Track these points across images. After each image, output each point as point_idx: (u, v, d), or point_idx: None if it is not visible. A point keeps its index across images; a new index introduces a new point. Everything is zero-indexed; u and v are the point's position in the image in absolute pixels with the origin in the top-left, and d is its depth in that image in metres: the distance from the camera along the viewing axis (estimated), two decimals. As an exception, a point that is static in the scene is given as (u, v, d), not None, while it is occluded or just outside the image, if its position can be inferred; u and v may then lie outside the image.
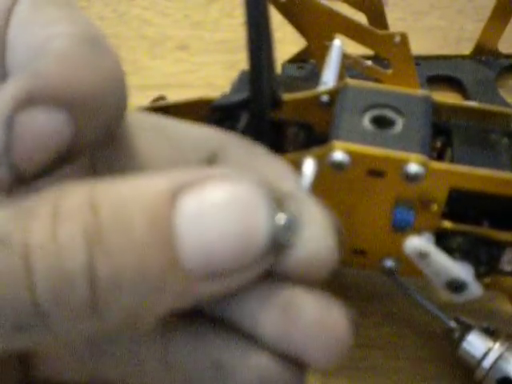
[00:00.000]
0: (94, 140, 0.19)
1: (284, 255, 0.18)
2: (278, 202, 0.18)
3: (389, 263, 0.38)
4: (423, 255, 0.34)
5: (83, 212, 0.16)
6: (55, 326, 0.16)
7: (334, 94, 0.38)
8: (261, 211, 0.17)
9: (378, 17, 0.55)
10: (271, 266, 0.18)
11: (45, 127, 0.18)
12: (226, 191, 0.17)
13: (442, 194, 0.34)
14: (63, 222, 0.16)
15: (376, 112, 0.35)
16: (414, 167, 0.33)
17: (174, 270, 0.17)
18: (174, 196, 0.17)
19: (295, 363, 0.19)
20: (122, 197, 0.17)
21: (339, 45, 0.43)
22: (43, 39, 0.19)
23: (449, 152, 0.37)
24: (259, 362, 0.19)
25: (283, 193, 0.19)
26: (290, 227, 0.18)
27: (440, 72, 0.60)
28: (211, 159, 0.23)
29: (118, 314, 0.17)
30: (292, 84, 0.47)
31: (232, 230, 0.17)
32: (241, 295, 0.19)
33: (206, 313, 0.20)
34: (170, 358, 0.20)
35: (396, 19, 0.61)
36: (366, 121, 0.35)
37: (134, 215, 0.16)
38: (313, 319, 0.19)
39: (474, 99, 0.56)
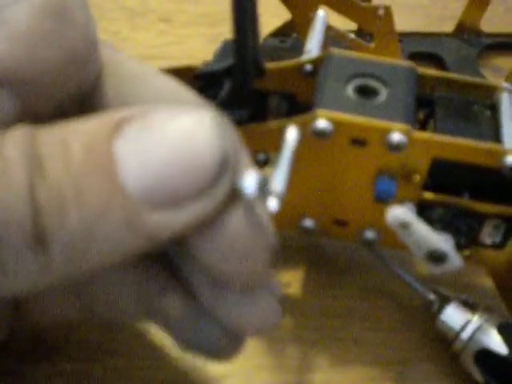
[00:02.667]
0: (53, 108, 0.19)
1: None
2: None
3: (369, 234, 0.38)
4: (405, 225, 0.34)
5: (24, 141, 0.16)
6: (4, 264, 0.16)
7: (317, 63, 0.37)
8: (207, 130, 0.17)
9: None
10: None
11: None
12: (167, 117, 0.17)
13: (424, 165, 0.34)
14: (6, 145, 0.16)
15: (360, 81, 0.35)
16: (396, 136, 0.33)
17: (116, 196, 0.16)
18: (115, 126, 0.16)
19: None
20: (63, 128, 0.16)
21: (323, 15, 0.43)
22: None
23: (431, 123, 0.37)
24: None
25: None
26: (251, 177, 0.18)
27: (422, 49, 0.60)
28: None
29: (65, 249, 0.16)
30: (275, 54, 0.47)
31: (176, 152, 0.16)
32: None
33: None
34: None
35: (378, -4, 0.61)
36: (350, 90, 0.35)
37: (72, 144, 0.16)
38: None
39: (456, 76, 0.56)
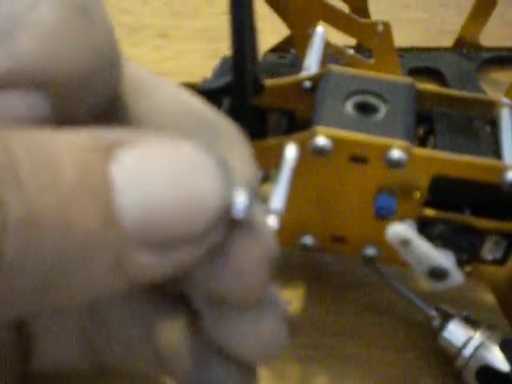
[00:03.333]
0: (82, 113, 0.17)
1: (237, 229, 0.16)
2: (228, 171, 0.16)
3: (370, 251, 0.37)
4: (405, 242, 0.34)
5: None
6: None
7: (316, 79, 0.37)
8: (212, 172, 0.15)
9: (360, 8, 0.55)
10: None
11: (19, 110, 0.16)
12: (168, 149, 0.15)
13: (424, 181, 0.34)
14: None
15: (359, 98, 0.35)
16: (396, 153, 0.33)
17: (109, 228, 0.14)
18: (109, 148, 0.15)
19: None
20: (42, 140, 0.14)
21: (322, 31, 0.43)
22: (25, 7, 0.16)
23: (431, 140, 0.37)
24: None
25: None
26: (244, 198, 0.16)
27: (421, 64, 0.60)
28: None
29: (36, 273, 0.14)
30: (274, 71, 0.47)
31: (177, 191, 0.15)
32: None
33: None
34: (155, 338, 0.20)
35: (377, 11, 0.60)
36: (349, 107, 0.35)
37: (62, 156, 0.14)
38: None
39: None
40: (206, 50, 0.61)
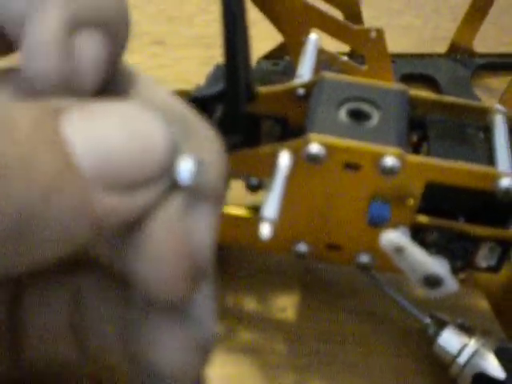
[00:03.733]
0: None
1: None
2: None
3: (364, 258, 0.37)
4: (399, 250, 0.34)
5: None
6: None
7: (309, 87, 0.37)
8: (160, 123, 0.16)
9: (353, 14, 0.55)
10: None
11: (93, 50, 0.17)
12: (115, 108, 0.16)
13: (418, 188, 0.34)
14: None
15: (352, 105, 0.35)
16: (390, 160, 0.32)
17: (68, 173, 0.15)
18: (58, 110, 0.15)
19: None
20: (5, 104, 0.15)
21: (315, 39, 0.43)
22: None
23: (425, 146, 0.37)
24: None
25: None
26: (190, 165, 0.17)
27: (415, 70, 0.60)
28: None
29: (6, 224, 0.14)
30: (268, 78, 0.47)
31: (128, 135, 0.16)
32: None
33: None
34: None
35: (371, 17, 0.61)
36: (343, 114, 0.35)
37: (18, 116, 0.15)
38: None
39: (449, 97, 0.56)
40: (202, 57, 0.61)
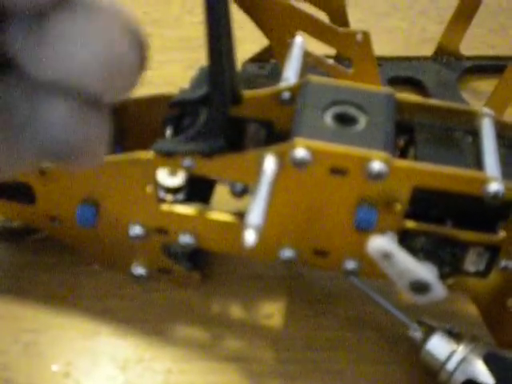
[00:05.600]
0: None
1: None
2: None
3: (351, 264, 0.37)
4: (386, 255, 0.33)
5: None
6: None
7: (295, 90, 0.37)
8: None
9: (339, 16, 0.54)
10: None
11: None
12: None
13: (405, 193, 0.33)
14: None
15: (338, 109, 0.35)
16: (377, 165, 0.32)
17: None
18: None
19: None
20: None
21: (301, 41, 0.42)
22: None
23: (412, 150, 0.36)
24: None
25: None
26: None
27: (401, 73, 0.60)
28: None
29: None
30: (253, 81, 0.46)
31: None
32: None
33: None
34: None
35: (357, 20, 0.60)
36: (328, 118, 0.34)
37: None
38: None
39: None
40: (188, 60, 0.60)
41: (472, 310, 0.40)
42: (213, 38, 0.31)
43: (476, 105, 0.56)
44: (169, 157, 0.35)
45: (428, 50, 0.61)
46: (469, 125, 0.36)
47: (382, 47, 0.57)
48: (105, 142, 0.20)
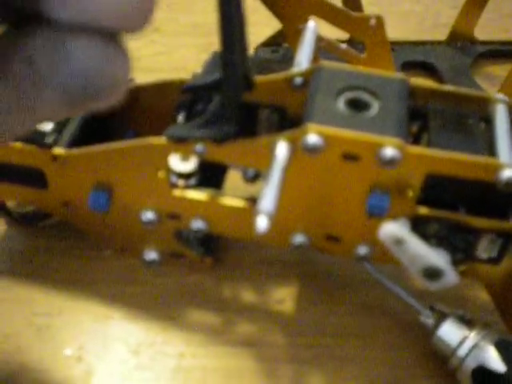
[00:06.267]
0: None
1: None
2: None
3: (363, 250, 0.37)
4: (398, 241, 0.33)
5: None
6: None
7: (307, 75, 0.37)
8: None
9: (353, 0, 0.54)
10: None
11: None
12: None
13: (417, 180, 0.33)
14: None
15: (351, 94, 0.35)
16: (389, 151, 0.32)
17: None
18: None
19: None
20: None
21: (313, 27, 0.42)
22: None
23: (425, 137, 0.36)
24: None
25: None
26: None
27: (415, 58, 0.59)
28: None
29: None
30: (265, 66, 0.46)
31: None
32: None
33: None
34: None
35: (370, 4, 0.60)
36: (341, 103, 0.34)
37: None
38: None
39: (449, 85, 0.56)
40: (200, 45, 0.60)
41: (484, 296, 0.40)
42: (225, 25, 0.31)
43: (490, 90, 0.55)
44: (181, 143, 0.35)
45: (442, 35, 0.61)
46: (482, 111, 0.36)
47: (395, 31, 0.57)
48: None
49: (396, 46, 0.59)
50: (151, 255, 0.41)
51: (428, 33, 0.63)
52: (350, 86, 0.35)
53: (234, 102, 0.34)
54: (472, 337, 0.36)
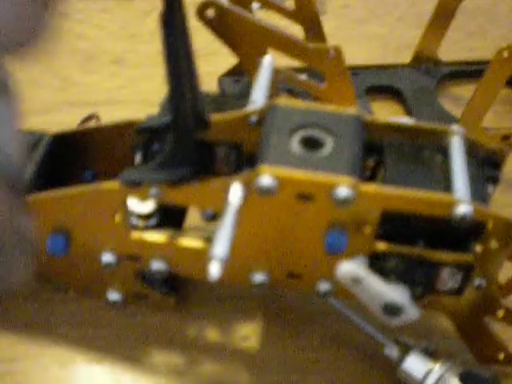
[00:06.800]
0: None
1: None
2: None
3: (324, 286, 0.37)
4: (356, 280, 0.33)
5: None
6: None
7: (262, 113, 0.37)
8: None
9: (314, 27, 0.54)
10: None
11: None
12: None
13: (374, 216, 0.33)
14: None
15: (305, 133, 0.34)
16: (343, 190, 0.32)
17: None
18: None
19: None
20: None
21: (270, 61, 0.42)
22: None
23: (381, 171, 0.36)
24: None
25: None
26: None
27: (380, 82, 0.59)
28: None
29: None
30: (225, 102, 0.46)
31: None
32: None
33: None
34: None
35: (334, 27, 0.60)
36: (295, 142, 0.34)
37: None
38: None
39: (414, 109, 0.56)
40: (162, 76, 0.59)
41: (449, 325, 0.40)
42: (170, 65, 0.31)
43: (455, 111, 0.55)
44: (135, 187, 0.34)
45: (407, 57, 0.61)
46: (438, 143, 0.36)
47: (359, 55, 0.57)
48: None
49: (360, 70, 0.59)
50: (114, 296, 0.41)
51: (393, 55, 0.63)
52: (305, 123, 0.35)
53: (187, 142, 0.33)
54: (437, 369, 0.36)
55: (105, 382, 0.39)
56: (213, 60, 0.55)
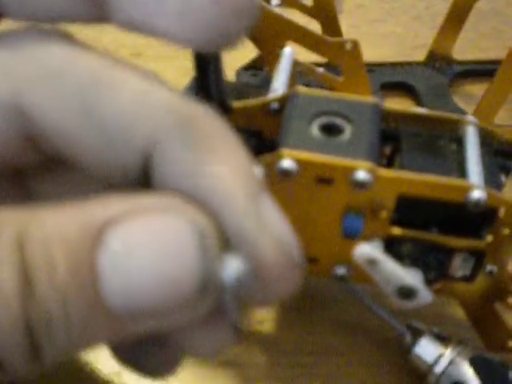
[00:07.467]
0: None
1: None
2: (210, 237, 0.17)
3: (340, 270, 0.38)
4: (372, 262, 0.34)
5: (13, 252, 0.16)
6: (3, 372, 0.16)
7: (283, 101, 0.38)
8: (189, 253, 0.17)
9: (331, 24, 0.55)
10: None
11: None
12: (152, 230, 0.17)
13: (390, 201, 0.34)
14: None
15: (325, 119, 0.35)
16: (361, 175, 0.33)
17: (96, 311, 0.16)
18: (100, 232, 0.16)
19: None
20: (47, 233, 0.16)
21: (290, 52, 0.43)
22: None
23: (398, 158, 0.37)
24: None
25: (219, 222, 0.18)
26: (231, 268, 0.17)
27: (394, 79, 0.61)
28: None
29: (55, 353, 0.17)
30: (245, 91, 0.47)
31: (155, 273, 0.16)
32: None
33: None
34: None
35: (350, 26, 0.61)
36: (315, 128, 0.35)
37: (57, 256, 0.16)
38: None
39: (427, 105, 0.57)
40: (182, 68, 0.60)
41: (460, 312, 0.41)
42: (199, 54, 0.32)
43: (468, 109, 0.56)
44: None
45: (422, 56, 0.62)
46: (453, 133, 0.37)
47: (374, 53, 0.58)
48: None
49: (375, 67, 0.60)
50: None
51: (407, 54, 0.64)
52: (324, 111, 0.36)
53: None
54: (448, 354, 0.37)
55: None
56: (232, 54, 0.56)
